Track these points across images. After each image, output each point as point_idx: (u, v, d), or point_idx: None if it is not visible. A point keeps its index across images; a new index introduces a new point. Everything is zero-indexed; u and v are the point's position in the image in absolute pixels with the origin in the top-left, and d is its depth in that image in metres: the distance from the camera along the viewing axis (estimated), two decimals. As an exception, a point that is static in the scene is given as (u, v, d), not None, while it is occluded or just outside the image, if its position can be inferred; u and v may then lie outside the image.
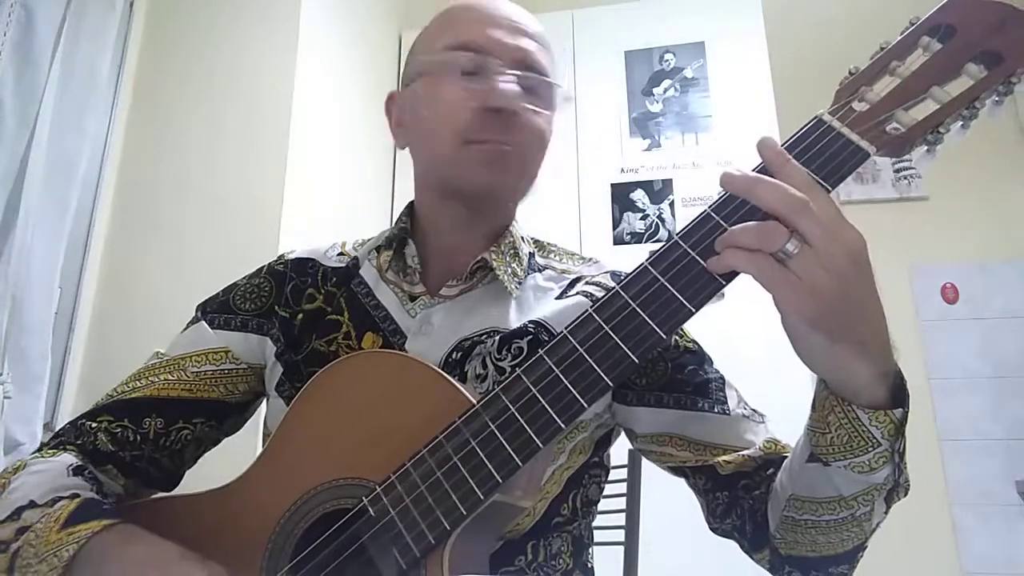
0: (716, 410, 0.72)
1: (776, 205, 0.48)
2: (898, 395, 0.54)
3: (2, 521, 0.63)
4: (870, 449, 0.54)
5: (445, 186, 0.75)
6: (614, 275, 0.80)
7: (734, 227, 0.50)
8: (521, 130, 0.73)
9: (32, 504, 0.63)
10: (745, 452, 0.70)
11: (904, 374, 0.55)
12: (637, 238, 2.35)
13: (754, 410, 0.75)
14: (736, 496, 0.69)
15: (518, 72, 0.72)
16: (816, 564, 0.63)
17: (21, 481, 0.66)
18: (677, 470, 0.75)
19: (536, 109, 0.74)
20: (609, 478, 0.82)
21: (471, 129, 0.71)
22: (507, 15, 0.76)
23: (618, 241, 2.36)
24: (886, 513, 0.60)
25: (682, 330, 0.76)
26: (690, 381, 0.74)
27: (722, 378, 0.76)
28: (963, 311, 2.61)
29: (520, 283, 0.77)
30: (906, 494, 0.59)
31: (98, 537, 0.58)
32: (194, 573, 0.55)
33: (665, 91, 2.50)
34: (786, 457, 0.66)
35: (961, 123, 0.54)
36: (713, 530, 0.74)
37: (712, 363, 0.77)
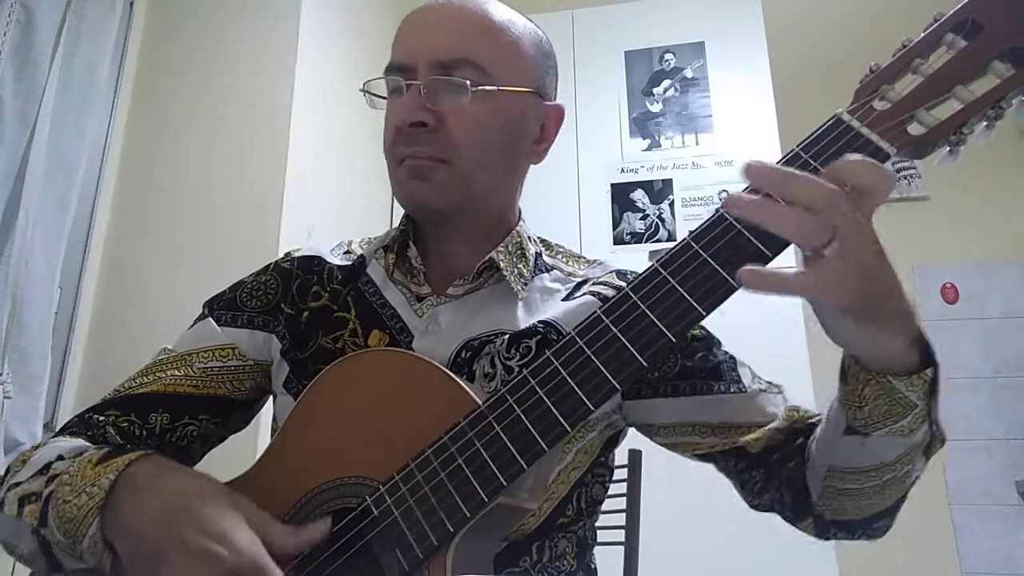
0: (733, 390, 0.73)
1: (815, 200, 0.47)
2: (926, 355, 0.54)
3: (31, 477, 0.64)
4: (908, 413, 0.54)
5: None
6: (620, 274, 0.79)
7: (780, 210, 0.48)
8: (446, 139, 0.70)
9: (60, 457, 0.64)
10: (771, 426, 0.70)
11: (927, 333, 0.54)
12: (637, 238, 2.35)
13: (769, 382, 0.75)
14: (771, 471, 0.70)
15: (416, 81, 0.70)
16: (861, 524, 0.64)
17: (45, 450, 0.67)
18: (705, 456, 0.75)
19: (435, 109, 0.69)
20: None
21: (399, 148, 0.72)
22: (434, 13, 0.74)
23: (618, 241, 2.36)
24: (925, 465, 0.61)
25: None
26: (702, 367, 0.74)
27: (733, 358, 0.76)
28: (963, 311, 2.61)
29: (526, 284, 0.77)
30: (943, 444, 0.60)
31: (136, 464, 0.59)
32: (228, 506, 0.55)
33: (665, 91, 2.50)
34: (811, 423, 0.68)
35: (986, 123, 0.53)
36: (753, 507, 0.74)
37: (720, 345, 0.77)
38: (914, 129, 0.52)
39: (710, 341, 0.77)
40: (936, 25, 0.54)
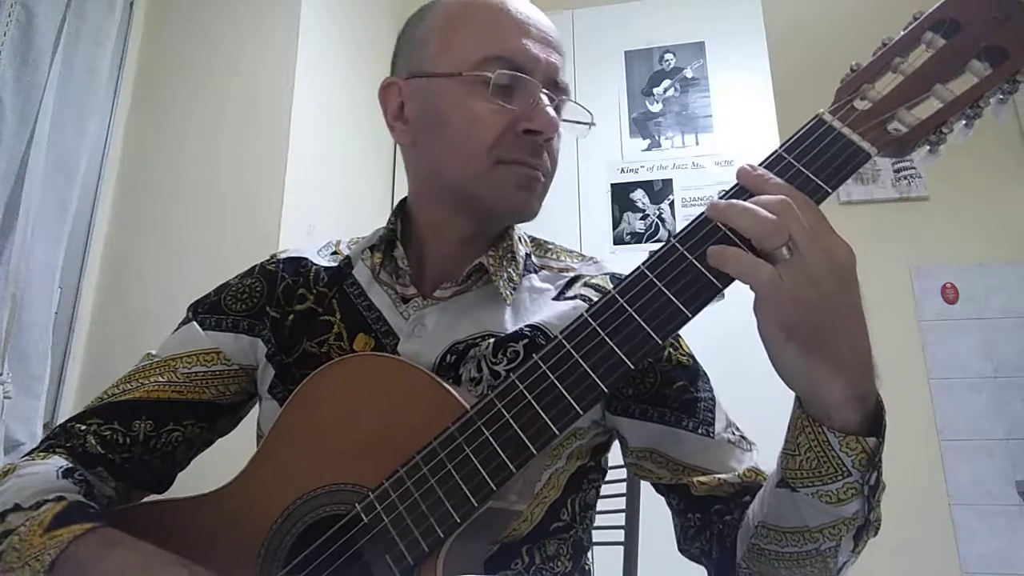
0: (700, 431, 0.70)
1: (771, 203, 0.49)
2: (874, 424, 0.52)
3: None
4: (838, 478, 0.51)
5: (465, 201, 0.73)
6: (613, 277, 0.78)
7: (735, 205, 0.50)
8: (551, 154, 0.73)
9: (17, 507, 0.63)
10: (721, 476, 0.68)
11: (884, 404, 0.52)
12: (637, 238, 2.35)
13: (742, 437, 0.72)
14: (708, 520, 0.68)
15: (552, 95, 0.71)
16: None
17: (9, 484, 0.66)
18: (656, 487, 0.74)
19: (561, 132, 0.74)
20: (609, 478, 0.82)
21: (504, 149, 0.69)
22: (538, 23, 0.73)
23: (618, 241, 2.36)
24: (854, 552, 0.57)
25: (678, 343, 0.75)
26: (677, 398, 0.71)
27: (712, 399, 0.73)
28: (963, 311, 2.61)
29: (515, 288, 0.75)
30: (876, 534, 0.56)
31: (79, 541, 0.58)
32: (173, 574, 0.55)
33: (665, 91, 2.50)
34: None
35: (965, 122, 0.53)
36: (682, 551, 0.72)
37: (707, 381, 0.75)
38: (895, 128, 0.53)
39: (695, 373, 0.74)
40: (915, 24, 0.54)
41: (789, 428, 0.54)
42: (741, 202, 0.50)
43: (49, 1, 1.62)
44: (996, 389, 2.52)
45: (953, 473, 2.44)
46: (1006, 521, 2.39)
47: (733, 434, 0.72)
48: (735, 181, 0.53)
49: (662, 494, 0.74)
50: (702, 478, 0.68)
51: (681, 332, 0.73)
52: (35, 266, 1.55)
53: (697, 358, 0.76)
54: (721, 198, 0.52)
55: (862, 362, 0.50)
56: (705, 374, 0.75)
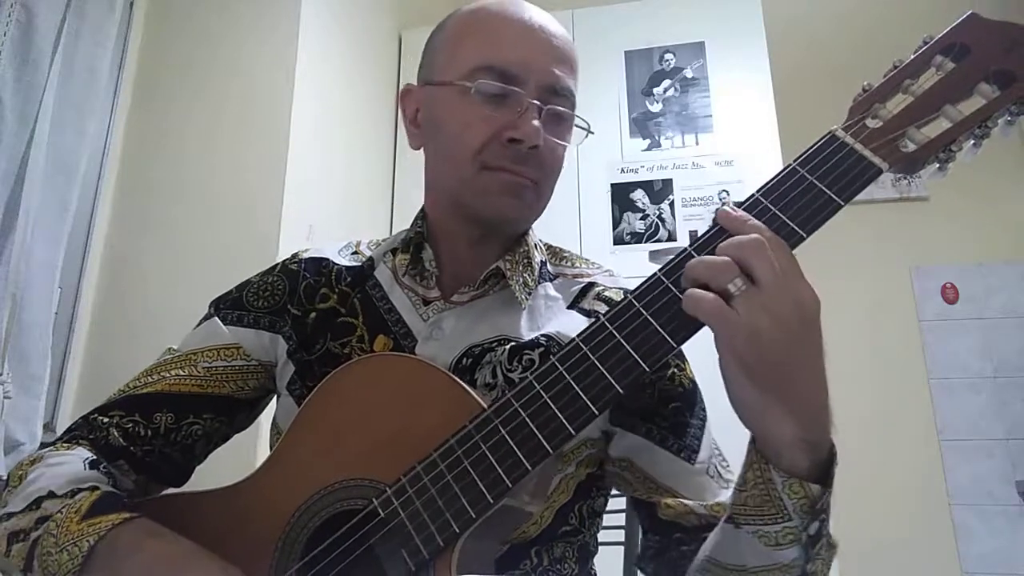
0: (682, 455, 0.70)
1: (733, 244, 0.50)
2: (824, 474, 0.52)
3: (21, 511, 0.64)
4: (779, 520, 0.52)
5: (459, 207, 0.75)
6: (627, 293, 0.79)
7: (692, 260, 0.52)
8: (541, 163, 0.73)
9: (51, 495, 0.64)
10: (688, 502, 0.68)
11: (837, 455, 0.52)
12: (637, 238, 2.35)
13: (721, 474, 0.72)
14: (666, 545, 0.68)
15: (542, 106, 0.71)
16: None
17: (38, 472, 0.67)
18: (630, 500, 0.75)
19: (557, 141, 0.74)
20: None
21: (489, 156, 0.71)
22: (543, 32, 0.74)
23: (618, 241, 2.36)
24: None
25: (683, 365, 0.76)
26: (669, 417, 0.72)
27: (703, 428, 0.73)
28: (963, 311, 2.61)
29: (530, 293, 0.77)
30: None
31: (119, 529, 0.59)
32: (212, 570, 0.56)
33: (665, 91, 2.50)
34: None
35: (973, 142, 0.55)
36: (639, 568, 0.73)
37: (703, 408, 0.75)
38: (905, 146, 0.55)
39: (692, 398, 0.74)
40: (926, 48, 0.57)
41: (743, 463, 0.55)
42: (701, 257, 0.51)
43: (49, 1, 1.62)
44: (996, 389, 2.52)
45: (953, 473, 2.45)
46: (1006, 521, 2.39)
47: (713, 467, 0.72)
48: (714, 221, 0.54)
49: (634, 508, 0.75)
50: (670, 501, 0.69)
51: (687, 355, 0.76)
52: (35, 266, 1.55)
53: (698, 384, 0.76)
54: (700, 237, 0.54)
55: (816, 409, 0.51)
56: (702, 401, 0.76)
